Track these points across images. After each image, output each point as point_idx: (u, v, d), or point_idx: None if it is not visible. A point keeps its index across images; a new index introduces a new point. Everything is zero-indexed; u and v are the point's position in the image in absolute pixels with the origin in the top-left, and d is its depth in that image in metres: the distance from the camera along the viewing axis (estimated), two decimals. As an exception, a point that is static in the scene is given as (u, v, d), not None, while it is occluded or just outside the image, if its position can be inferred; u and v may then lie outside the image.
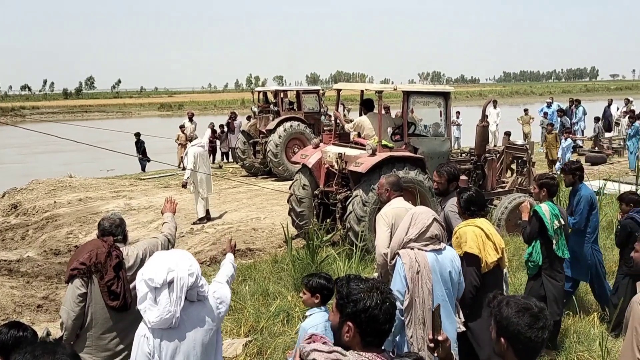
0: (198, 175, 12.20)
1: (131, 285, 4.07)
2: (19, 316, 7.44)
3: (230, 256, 4.16)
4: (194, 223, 12.38)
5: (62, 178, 17.69)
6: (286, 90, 18.99)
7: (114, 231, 4.36)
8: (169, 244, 4.76)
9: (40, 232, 12.67)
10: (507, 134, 18.14)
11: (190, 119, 20.82)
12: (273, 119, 17.47)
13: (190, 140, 13.23)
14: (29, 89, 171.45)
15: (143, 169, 20.95)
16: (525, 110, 23.87)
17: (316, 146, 10.31)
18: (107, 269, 4.07)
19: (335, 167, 9.51)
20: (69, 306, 4.04)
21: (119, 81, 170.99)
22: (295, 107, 18.28)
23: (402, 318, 3.95)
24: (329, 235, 9.06)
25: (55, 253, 11.12)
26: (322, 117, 18.38)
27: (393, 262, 4.29)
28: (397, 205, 5.41)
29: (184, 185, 12.69)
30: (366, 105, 10.02)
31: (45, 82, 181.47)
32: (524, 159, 11.20)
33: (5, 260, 10.59)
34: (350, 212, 8.87)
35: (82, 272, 4.05)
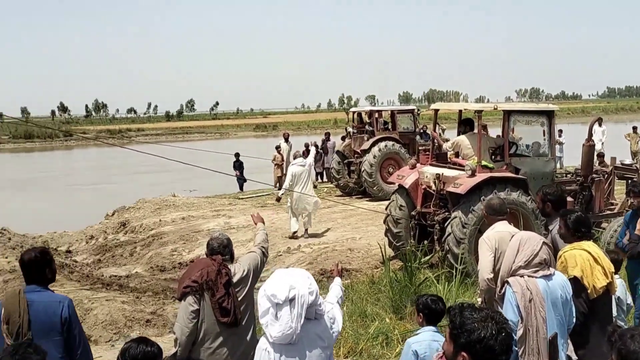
0: (294, 194, 12.54)
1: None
2: (129, 330, 7.83)
3: (338, 280, 4.25)
4: (289, 237, 12.82)
5: (167, 197, 18.52)
6: (381, 110, 19.04)
7: (222, 251, 4.53)
8: (264, 256, 4.90)
9: (146, 249, 13.29)
10: (601, 155, 16.97)
11: (286, 140, 21.27)
12: (368, 139, 17.56)
13: (294, 158, 13.55)
14: (135, 112, 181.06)
15: (241, 188, 21.56)
16: (634, 128, 22.63)
17: (413, 167, 10.24)
18: (217, 287, 4.22)
19: (433, 187, 9.41)
20: (182, 322, 4.22)
21: (217, 103, 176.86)
22: (389, 127, 18.29)
23: (516, 349, 3.84)
24: (427, 258, 8.93)
25: (161, 269, 11.63)
26: (417, 136, 18.27)
27: (502, 291, 4.18)
28: (501, 229, 5.27)
29: (278, 200, 13.59)
30: (465, 125, 9.87)
31: (149, 105, 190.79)
32: (634, 179, 10.63)
33: (116, 276, 11.21)
34: (449, 234, 8.73)
35: (194, 290, 4.23)
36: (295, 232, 12.90)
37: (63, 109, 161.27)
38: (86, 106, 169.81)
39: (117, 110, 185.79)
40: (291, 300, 3.14)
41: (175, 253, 12.65)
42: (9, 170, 40.70)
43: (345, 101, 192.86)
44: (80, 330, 4.17)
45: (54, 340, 3.92)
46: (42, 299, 4.00)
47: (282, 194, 13.13)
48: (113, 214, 17.49)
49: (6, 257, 10.94)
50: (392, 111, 18.71)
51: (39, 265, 4.07)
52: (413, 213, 9.96)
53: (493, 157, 9.52)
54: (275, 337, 3.14)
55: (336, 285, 4.13)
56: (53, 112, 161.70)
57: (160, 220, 15.42)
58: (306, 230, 12.95)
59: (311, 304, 3.20)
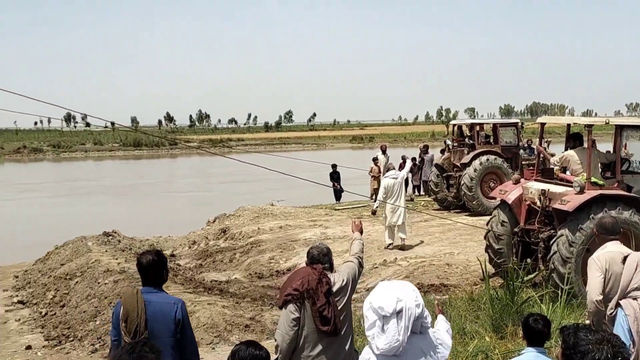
0: (388, 206, 12.53)
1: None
2: (229, 334, 8.04)
3: (357, 234, 4.85)
4: (385, 248, 12.78)
5: (265, 206, 18.92)
6: (482, 123, 18.60)
7: (322, 260, 4.56)
8: (360, 266, 4.88)
9: (245, 256, 13.63)
10: None
11: (384, 152, 21.20)
12: (468, 153, 17.18)
13: (387, 170, 13.49)
14: (235, 122, 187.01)
15: (337, 199, 21.67)
16: None
17: (516, 181, 9.92)
18: (318, 295, 4.26)
19: (538, 204, 9.05)
20: (283, 330, 4.28)
21: (315, 114, 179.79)
22: (491, 141, 17.82)
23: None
24: (531, 276, 8.58)
25: (259, 276, 11.88)
26: (521, 151, 17.68)
27: (613, 312, 3.95)
28: (612, 249, 5.00)
29: (373, 212, 13.75)
30: (574, 140, 9.44)
31: (249, 116, 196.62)
32: None
33: (216, 281, 11.56)
34: (555, 253, 8.35)
35: (295, 298, 4.28)
36: (389, 245, 12.82)
37: (169, 118, 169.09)
38: (190, 116, 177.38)
39: (219, 121, 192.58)
40: (398, 313, 3.11)
41: (273, 261, 12.88)
42: (117, 177, 43.09)
43: (444, 113, 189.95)
44: (191, 333, 4.30)
45: (167, 340, 4.06)
46: (158, 300, 4.15)
47: (377, 206, 13.19)
48: (214, 221, 18.07)
49: (116, 259, 11.53)
50: (494, 124, 18.21)
51: (156, 267, 4.23)
52: (516, 229, 9.63)
53: (603, 173, 9.05)
54: (382, 349, 3.12)
55: (357, 241, 4.46)
56: (160, 122, 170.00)
57: (258, 229, 15.77)
58: (403, 241, 12.88)
59: (417, 316, 3.17)
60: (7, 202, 29.08)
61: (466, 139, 18.08)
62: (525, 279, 8.25)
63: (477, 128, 17.82)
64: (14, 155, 70.24)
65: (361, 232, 5.35)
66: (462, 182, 16.70)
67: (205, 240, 15.75)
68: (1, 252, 16.11)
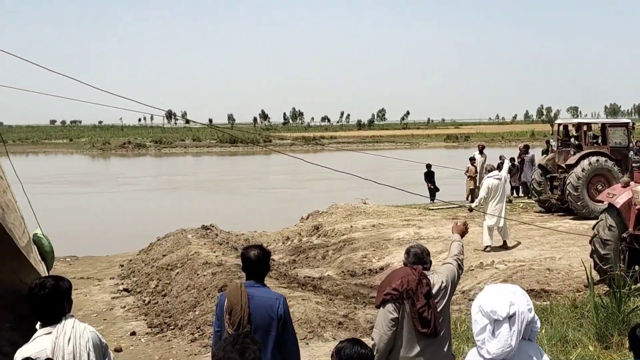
0: (489, 206, 12.22)
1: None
2: (322, 330, 8.07)
3: (457, 236, 4.70)
4: (483, 250, 12.42)
5: (357, 204, 18.90)
6: (590, 123, 17.68)
7: (424, 259, 4.48)
8: (460, 268, 4.74)
9: (338, 253, 13.66)
10: None
11: (481, 152, 20.65)
12: (574, 153, 16.39)
13: (488, 172, 13.15)
14: (328, 120, 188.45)
15: (432, 199, 21.33)
16: None
17: (626, 185, 9.37)
18: (418, 296, 4.17)
19: (650, 208, 8.51)
20: (381, 329, 4.22)
21: (408, 113, 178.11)
22: (599, 141, 16.91)
23: None
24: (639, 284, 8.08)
25: (351, 274, 11.87)
26: (631, 152, 16.69)
27: None
28: None
29: (470, 210, 13.57)
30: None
31: (342, 114, 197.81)
32: None
33: (309, 277, 11.66)
34: (668, 261, 7.82)
35: (394, 298, 4.21)
36: (487, 247, 12.47)
37: (264, 116, 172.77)
38: (284, 114, 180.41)
39: (312, 119, 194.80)
40: (511, 317, 2.99)
41: (366, 259, 12.84)
42: (213, 172, 44.49)
43: (545, 112, 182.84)
44: (292, 328, 4.31)
45: (269, 335, 4.08)
46: (261, 294, 4.17)
47: (477, 205, 12.88)
48: (307, 218, 18.24)
49: (214, 252, 11.88)
50: (602, 124, 17.27)
51: (262, 262, 4.26)
52: (624, 235, 9.10)
53: None
54: (494, 354, 3.01)
55: (457, 242, 4.35)
56: (255, 119, 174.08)
57: (351, 226, 15.77)
58: (504, 242, 12.55)
59: (529, 321, 3.03)
60: (110, 194, 30.73)
61: (572, 139, 17.26)
62: (633, 287, 7.79)
63: (585, 128, 16.96)
64: (120, 150, 74.13)
65: (462, 235, 5.19)
66: (568, 183, 15.93)
67: (298, 237, 15.94)
68: (106, 241, 17.05)
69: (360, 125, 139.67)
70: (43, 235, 7.52)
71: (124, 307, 10.19)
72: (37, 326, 3.49)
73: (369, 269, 12.11)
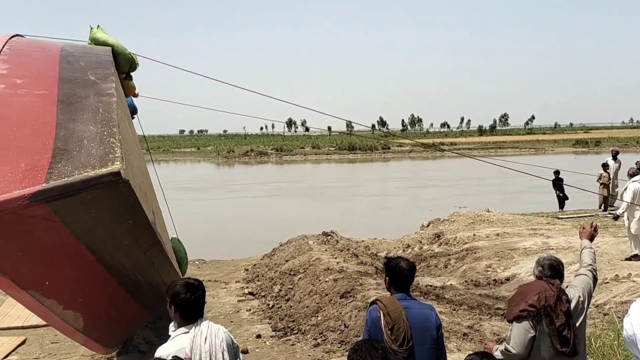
0: (636, 213, 11.48)
1: None
2: (447, 341, 7.87)
3: (587, 242, 4.45)
4: (626, 259, 11.63)
5: (480, 212, 18.35)
6: None
7: (562, 271, 4.25)
8: (594, 279, 4.44)
9: (460, 262, 13.31)
10: None
11: (615, 157, 19.41)
12: None
13: (631, 176, 12.39)
14: (448, 126, 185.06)
15: (561, 207, 20.31)
16: None
17: None
18: (557, 314, 3.94)
19: None
20: (516, 346, 4.03)
21: (533, 117, 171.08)
22: None
23: None
24: None
25: (475, 284, 11.52)
26: None
27: None
28: None
29: (615, 218, 12.69)
30: None
31: (462, 119, 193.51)
32: None
33: (431, 286, 11.45)
34: None
35: (532, 315, 4.00)
36: (633, 256, 11.70)
37: (382, 123, 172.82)
38: (402, 121, 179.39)
39: (431, 125, 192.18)
40: None
41: (490, 269, 12.41)
42: (331, 179, 44.99)
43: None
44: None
45: (428, 347, 3.94)
46: (415, 307, 4.04)
47: (622, 212, 12.12)
48: (428, 225, 17.97)
49: (335, 258, 11.97)
50: None
51: (412, 273, 4.16)
52: None
53: None
54: None
55: (587, 250, 4.12)
56: (373, 126, 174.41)
57: (474, 235, 15.32)
58: None
59: None
60: (232, 200, 31.93)
61: None
62: None
63: None
64: (243, 157, 77.04)
65: (591, 239, 4.84)
66: None
67: (419, 244, 15.73)
68: (231, 246, 17.74)
69: (481, 131, 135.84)
70: (179, 241, 7.92)
71: (249, 310, 10.51)
72: (171, 326, 3.67)
73: (494, 279, 11.69)
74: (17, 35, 7.25)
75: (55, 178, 4.18)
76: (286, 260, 12.97)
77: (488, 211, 18.65)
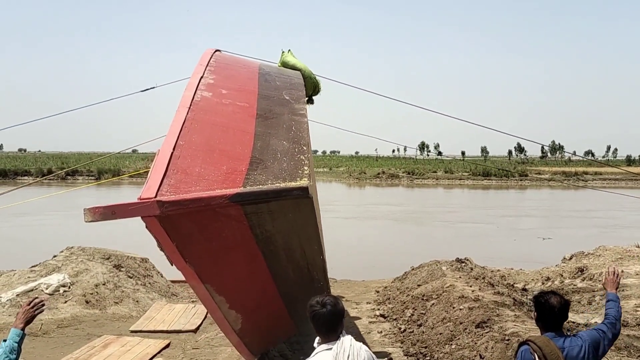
0: None
1: None
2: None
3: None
4: None
5: (630, 247, 17.09)
6: None
7: None
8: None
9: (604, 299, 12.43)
10: None
11: None
12: None
13: None
14: (592, 155, 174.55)
15: None
16: None
17: None
18: None
19: None
20: None
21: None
22: None
23: None
24: None
25: (623, 324, 10.67)
26: None
27: None
28: None
29: None
30: None
31: (608, 148, 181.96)
32: None
33: (574, 322, 10.78)
34: None
35: None
36: None
37: (519, 149, 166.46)
38: (542, 147, 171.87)
39: (574, 152, 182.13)
40: None
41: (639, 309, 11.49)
42: (465, 205, 43.87)
43: None
44: None
45: None
46: (568, 346, 3.83)
47: None
48: (570, 258, 17.00)
49: (470, 286, 11.61)
50: None
51: (564, 311, 3.96)
52: None
53: None
54: None
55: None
56: (510, 152, 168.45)
57: (622, 271, 14.23)
58: None
59: None
60: (360, 220, 32.08)
61: None
62: None
63: None
64: (374, 179, 77.35)
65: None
66: None
67: (560, 278, 14.89)
68: (354, 268, 17.82)
69: (630, 161, 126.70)
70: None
71: (381, 332, 10.47)
72: (315, 342, 3.74)
73: (643, 321, 10.80)
74: (217, 50, 8.08)
75: (251, 184, 4.59)
76: (418, 285, 12.79)
77: (638, 246, 17.31)
